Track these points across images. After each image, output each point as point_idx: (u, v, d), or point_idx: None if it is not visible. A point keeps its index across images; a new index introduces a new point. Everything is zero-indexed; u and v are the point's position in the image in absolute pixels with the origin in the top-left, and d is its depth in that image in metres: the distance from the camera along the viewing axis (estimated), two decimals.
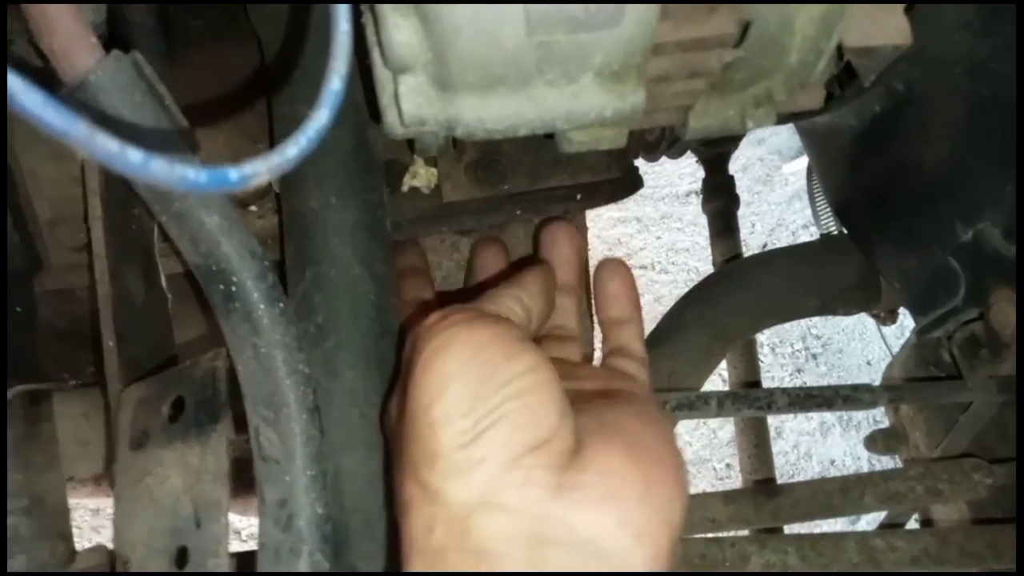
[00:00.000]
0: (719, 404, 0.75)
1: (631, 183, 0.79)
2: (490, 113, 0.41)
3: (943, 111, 0.63)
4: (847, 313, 0.91)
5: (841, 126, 0.74)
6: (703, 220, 2.06)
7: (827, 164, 0.84)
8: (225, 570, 0.43)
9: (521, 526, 0.35)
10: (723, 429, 1.73)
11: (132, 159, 0.20)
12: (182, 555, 0.45)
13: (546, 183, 0.72)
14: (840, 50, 0.45)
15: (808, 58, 0.42)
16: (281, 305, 0.45)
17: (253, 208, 0.69)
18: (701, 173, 2.06)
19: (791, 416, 1.75)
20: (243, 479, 0.55)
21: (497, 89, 0.40)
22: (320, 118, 0.27)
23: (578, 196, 0.74)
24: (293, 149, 0.26)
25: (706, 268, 1.09)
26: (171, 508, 0.46)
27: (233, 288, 0.43)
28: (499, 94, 0.41)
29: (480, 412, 0.37)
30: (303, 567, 0.42)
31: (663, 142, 0.89)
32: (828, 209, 1.16)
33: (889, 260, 0.78)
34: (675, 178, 2.02)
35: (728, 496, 0.77)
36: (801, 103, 0.48)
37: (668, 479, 0.40)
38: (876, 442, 0.99)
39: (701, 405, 0.75)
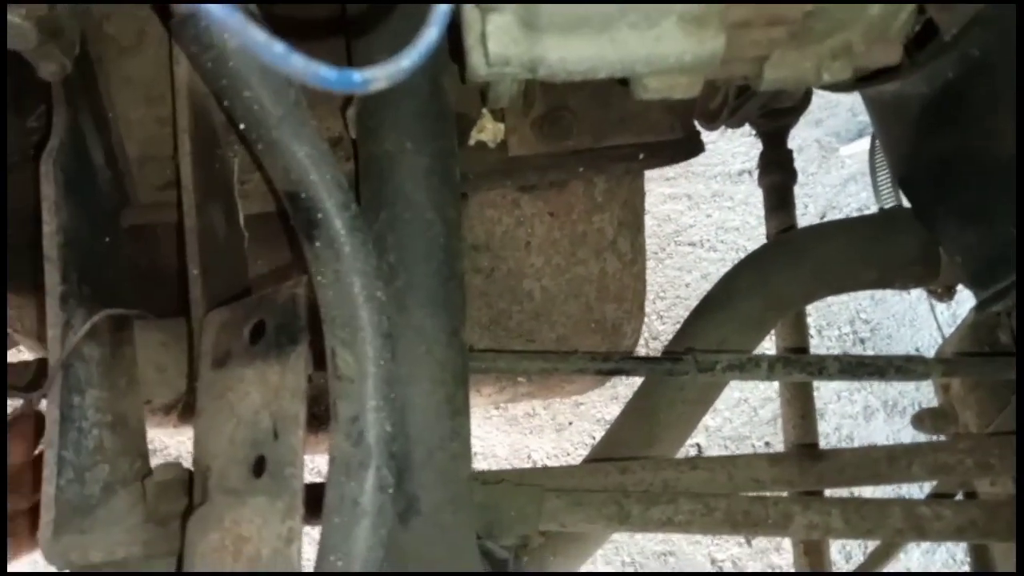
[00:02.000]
0: (770, 367, 0.76)
1: (692, 146, 0.80)
2: (573, 54, 0.43)
3: (1016, 80, 0.62)
4: (904, 287, 0.90)
5: (910, 95, 0.74)
6: (754, 200, 2.04)
7: (893, 134, 0.83)
8: (300, 478, 0.46)
9: None
10: (764, 408, 1.73)
11: (277, 50, 0.22)
12: (260, 464, 0.48)
13: (610, 141, 0.73)
14: (921, 9, 0.45)
15: (889, 9, 0.42)
16: (362, 235, 0.47)
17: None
18: (754, 152, 2.04)
19: (835, 398, 1.74)
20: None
21: (581, 30, 0.42)
22: (430, 35, 0.29)
23: (640, 155, 0.75)
24: (406, 61, 0.28)
25: (756, 248, 1.09)
26: (251, 421, 0.49)
27: (319, 215, 0.46)
28: (582, 35, 0.42)
29: None
30: (370, 480, 0.45)
31: (724, 110, 0.89)
32: (889, 187, 1.15)
33: (952, 232, 0.78)
34: (728, 156, 2.01)
35: (773, 458, 0.78)
36: (878, 58, 0.48)
37: None
38: (924, 421, 0.98)
39: (752, 367, 0.75)
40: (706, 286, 0.92)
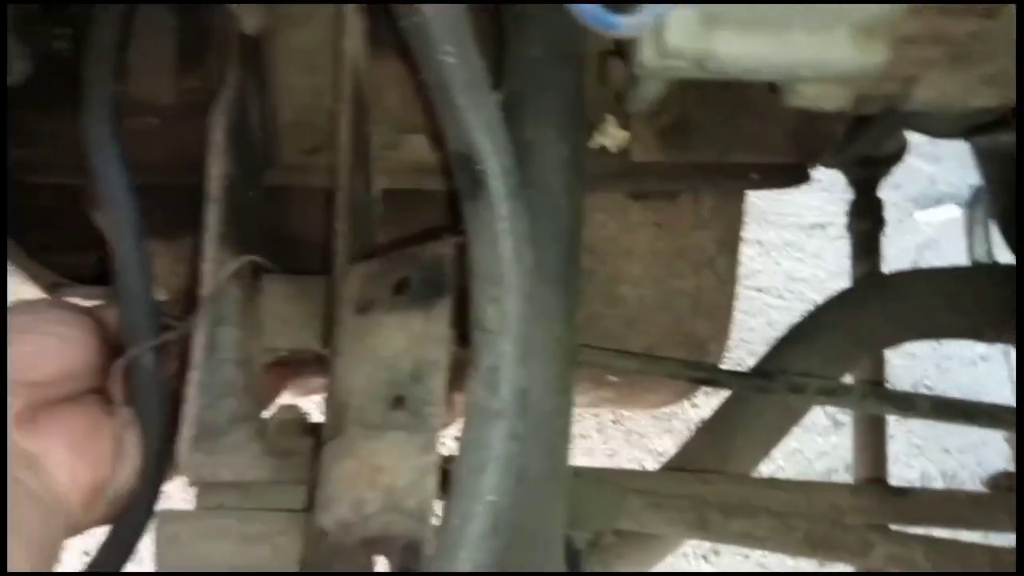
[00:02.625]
0: (861, 396, 0.77)
1: (800, 173, 0.82)
2: (744, 52, 0.46)
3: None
4: (995, 340, 0.90)
5: None
6: (826, 254, 2.03)
7: (1004, 185, 0.84)
8: (439, 418, 0.49)
9: None
10: (819, 460, 1.71)
11: None
12: (398, 402, 0.51)
13: (730, 157, 0.76)
14: None
15: None
16: (520, 201, 0.50)
17: None
18: (829, 208, 2.04)
19: (892, 460, 1.71)
20: None
21: (757, 28, 0.45)
22: None
23: (755, 176, 0.77)
24: (645, 17, 0.31)
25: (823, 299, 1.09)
26: (391, 363, 0.53)
27: (483, 177, 0.49)
28: (757, 33, 0.45)
29: None
30: (503, 427, 0.48)
31: (832, 145, 0.91)
32: (985, 246, 1.15)
33: None
34: (803, 209, 2.02)
35: (854, 488, 0.78)
36: None
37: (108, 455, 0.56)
38: (1000, 482, 0.97)
39: (842, 394, 0.77)
40: (772, 332, 0.94)
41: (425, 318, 0.53)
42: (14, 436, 0.51)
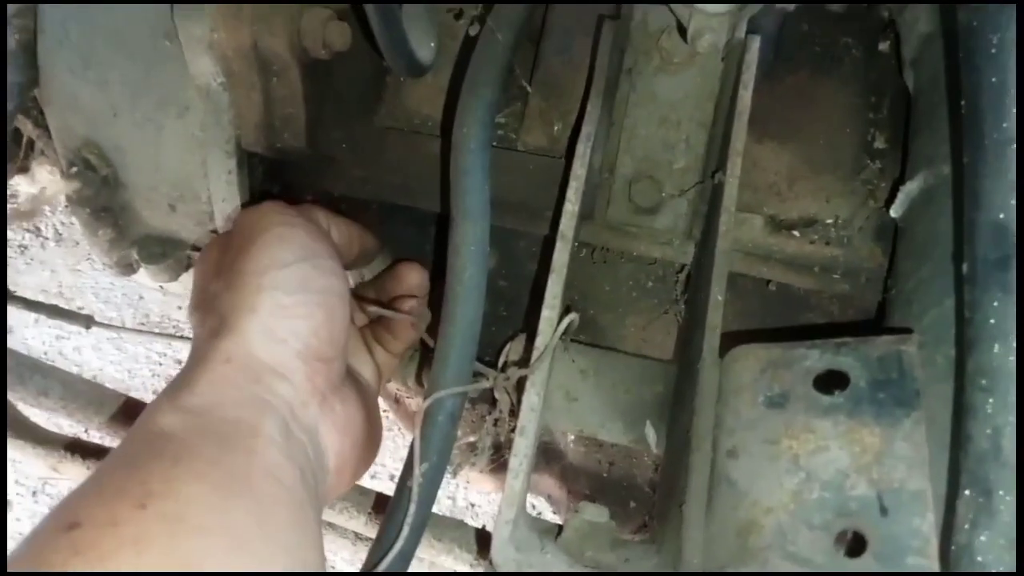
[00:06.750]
0: None
1: None
2: None
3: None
4: None
5: None
6: None
7: None
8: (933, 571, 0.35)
9: (290, 403, 0.42)
10: None
11: None
12: (857, 542, 0.37)
13: None
14: None
15: None
16: None
17: (796, 233, 0.65)
18: None
19: None
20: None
21: None
22: None
23: None
24: None
25: None
26: (833, 483, 0.39)
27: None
28: None
29: (299, 299, 0.44)
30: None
31: None
32: None
33: None
34: None
35: None
36: None
37: (373, 452, 0.51)
38: None
39: None
40: None
41: (884, 432, 0.39)
42: (306, 420, 0.44)
